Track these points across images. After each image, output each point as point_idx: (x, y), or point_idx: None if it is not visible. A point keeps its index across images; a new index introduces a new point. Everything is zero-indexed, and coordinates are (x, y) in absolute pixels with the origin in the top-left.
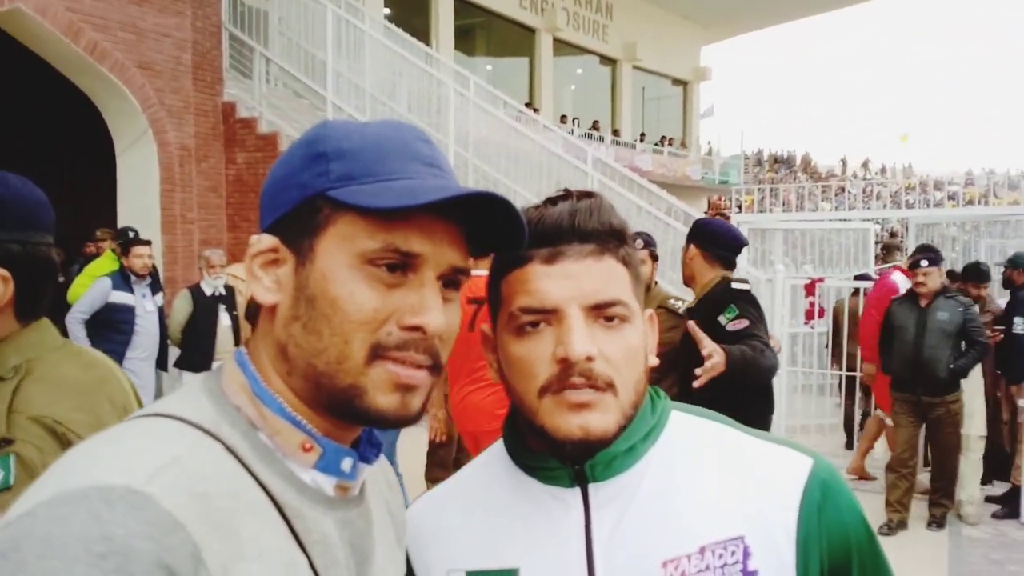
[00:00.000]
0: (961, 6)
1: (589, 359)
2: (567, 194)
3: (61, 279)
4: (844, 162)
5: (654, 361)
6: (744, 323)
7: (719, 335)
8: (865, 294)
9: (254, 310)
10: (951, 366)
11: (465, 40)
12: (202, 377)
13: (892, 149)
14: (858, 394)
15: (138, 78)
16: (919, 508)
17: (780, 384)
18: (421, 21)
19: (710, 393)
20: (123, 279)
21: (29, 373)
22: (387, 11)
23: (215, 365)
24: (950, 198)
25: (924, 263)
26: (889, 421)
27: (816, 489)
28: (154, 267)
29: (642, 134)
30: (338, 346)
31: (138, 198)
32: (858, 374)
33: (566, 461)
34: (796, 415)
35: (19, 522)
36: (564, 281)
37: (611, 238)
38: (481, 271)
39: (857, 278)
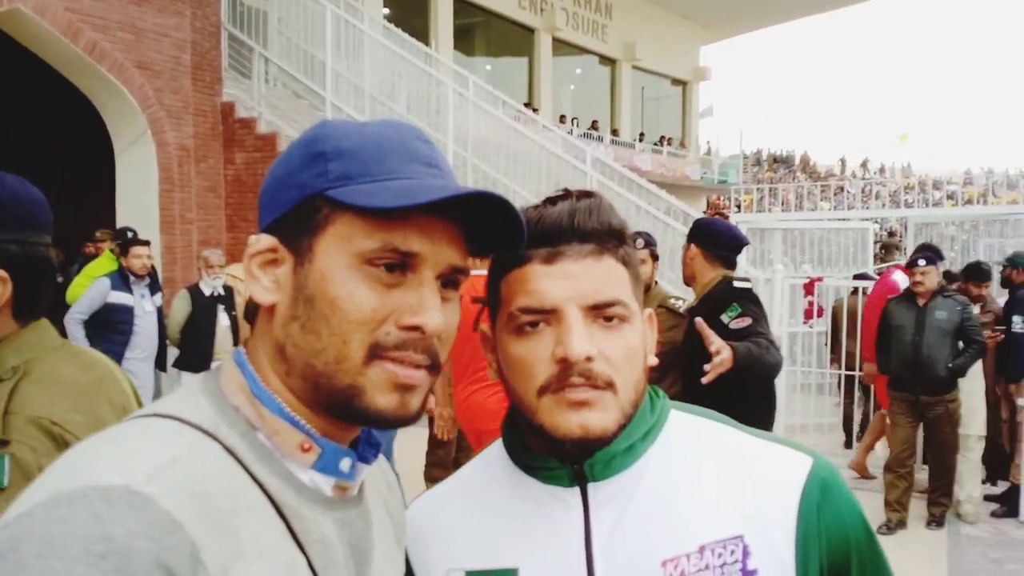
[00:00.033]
0: (954, 6)
1: (589, 359)
2: (566, 194)
3: (60, 279)
4: (843, 162)
5: (653, 361)
6: (747, 321)
7: (723, 334)
8: (864, 293)
9: (253, 310)
10: (949, 365)
11: (464, 40)
12: (201, 377)
13: (891, 149)
14: (857, 393)
15: (137, 78)
16: (918, 507)
17: (779, 383)
18: (420, 21)
19: (713, 392)
20: (122, 279)
21: (27, 374)
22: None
23: (214, 365)
24: (949, 197)
25: (921, 262)
26: None
27: (815, 488)
28: (153, 267)
29: (641, 134)
30: (336, 346)
31: (137, 198)
32: (857, 373)
33: (565, 460)
34: (795, 414)
35: (18, 522)
36: (563, 281)
37: (610, 238)
38: (486, 271)
39: (856, 277)
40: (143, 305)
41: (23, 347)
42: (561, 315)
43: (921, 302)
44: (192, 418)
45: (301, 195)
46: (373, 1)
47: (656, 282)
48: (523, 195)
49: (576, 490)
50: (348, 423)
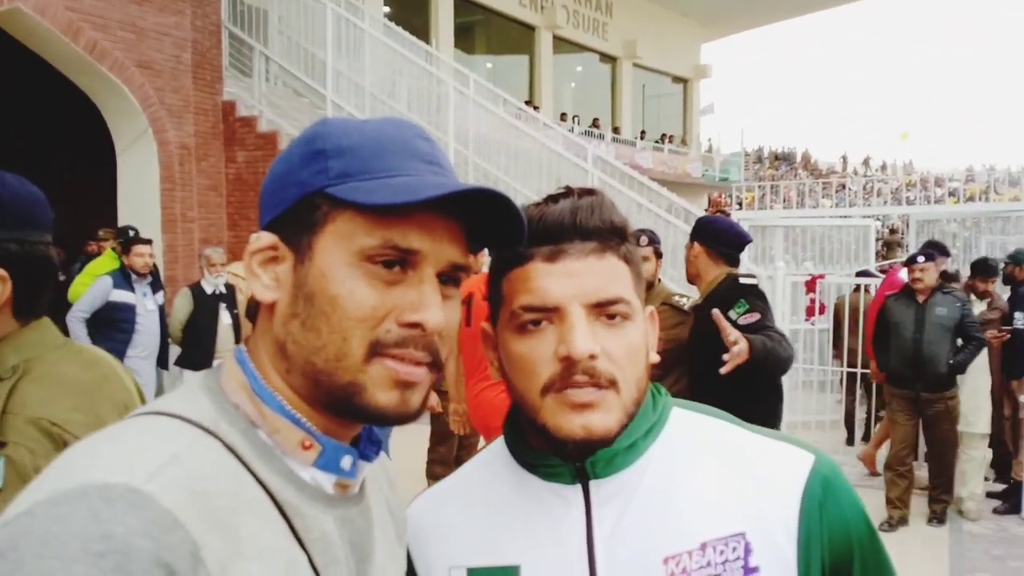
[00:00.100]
0: (954, 6)
1: (592, 357)
2: (568, 192)
3: (62, 278)
4: (844, 159)
5: (655, 358)
6: (755, 316)
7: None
8: (866, 290)
9: (254, 308)
10: (950, 362)
11: (465, 38)
12: (202, 375)
13: (892, 146)
14: (859, 390)
15: (138, 77)
16: (920, 504)
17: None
18: (421, 19)
19: (722, 388)
20: (124, 278)
21: (27, 373)
22: (387, 9)
23: (216, 363)
24: (951, 194)
25: (920, 259)
26: None
27: (817, 485)
28: (155, 266)
29: (642, 132)
30: (337, 343)
31: (138, 197)
32: (859, 370)
33: (567, 458)
34: (797, 411)
35: (17, 521)
36: (566, 279)
37: (612, 236)
38: None
39: (858, 275)
40: (145, 303)
41: (23, 346)
42: (564, 313)
43: (921, 299)
44: (193, 416)
45: (301, 193)
46: None
47: (659, 279)
48: (524, 193)
49: (578, 487)
50: (349, 420)
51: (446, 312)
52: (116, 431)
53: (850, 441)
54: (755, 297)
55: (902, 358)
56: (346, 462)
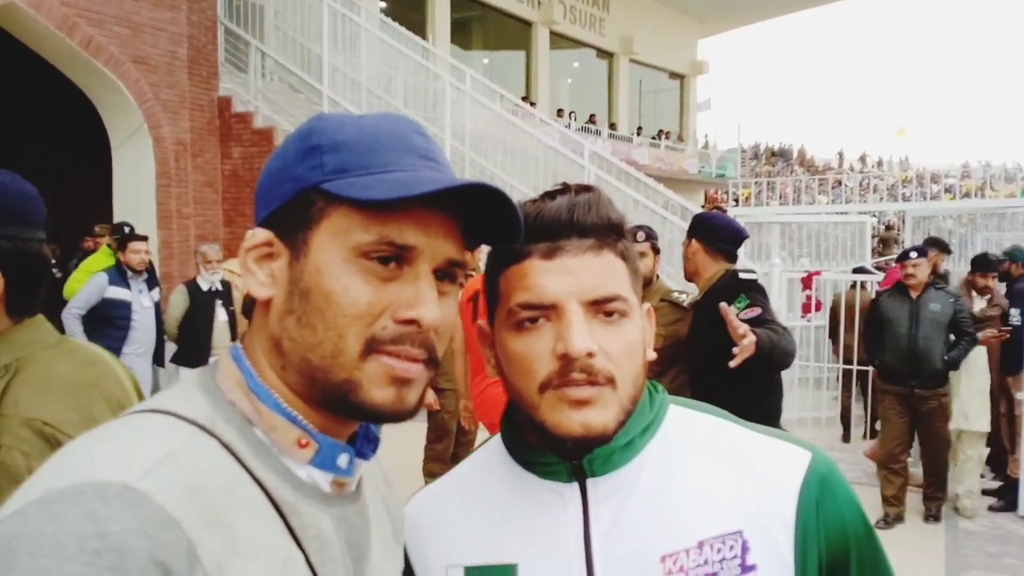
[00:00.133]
0: (952, 3)
1: (590, 355)
2: (565, 188)
3: (59, 275)
4: (841, 155)
5: (652, 356)
6: (757, 311)
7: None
8: (862, 287)
9: (250, 305)
10: (945, 358)
11: (461, 34)
12: (198, 373)
13: (889, 143)
14: (855, 387)
15: (133, 73)
16: (916, 501)
17: None
18: (417, 15)
19: (722, 384)
20: (119, 274)
21: (19, 372)
22: (383, 5)
23: (212, 360)
24: (947, 191)
25: (913, 254)
26: None
27: (814, 483)
28: (150, 262)
29: (639, 128)
30: (332, 340)
31: (134, 193)
32: (855, 367)
33: (565, 456)
34: (793, 408)
35: (11, 520)
36: (563, 276)
37: (610, 232)
38: None
39: (855, 271)
40: (141, 300)
41: (16, 344)
42: (561, 310)
43: (914, 295)
44: (188, 414)
45: (296, 188)
46: None
47: (658, 276)
48: (520, 189)
49: (575, 486)
50: (345, 418)
51: (442, 309)
52: (111, 429)
53: (846, 438)
54: (755, 292)
55: (897, 354)
56: (343, 460)
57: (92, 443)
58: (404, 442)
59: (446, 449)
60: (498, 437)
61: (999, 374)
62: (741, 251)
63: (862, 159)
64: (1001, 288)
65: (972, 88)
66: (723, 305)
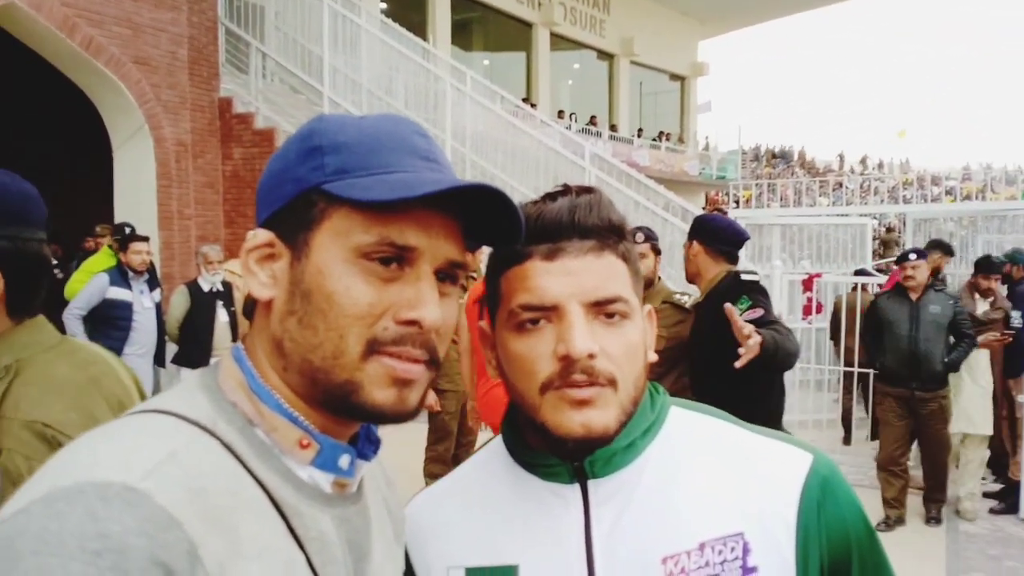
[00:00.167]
0: (950, 6)
1: (591, 356)
2: (566, 190)
3: (60, 275)
4: (842, 157)
5: (653, 357)
6: (759, 312)
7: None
8: (864, 289)
9: (251, 306)
10: (945, 360)
11: (462, 35)
12: (199, 373)
13: (890, 145)
14: (855, 390)
15: (134, 73)
16: (917, 504)
17: None
18: (418, 16)
19: (723, 387)
20: (120, 275)
21: (19, 374)
22: (383, 6)
23: (213, 361)
24: (947, 193)
25: (912, 256)
26: None
27: (816, 485)
28: (151, 263)
29: (639, 129)
30: (333, 341)
31: (134, 194)
32: (856, 369)
33: (566, 458)
34: (794, 410)
35: (14, 519)
36: (564, 278)
37: (611, 234)
38: None
39: (856, 273)
40: (142, 301)
41: (16, 345)
42: (562, 312)
43: (914, 296)
44: (190, 414)
45: (297, 189)
46: None
47: (660, 277)
48: (521, 191)
49: (576, 487)
50: (346, 419)
51: (443, 310)
52: (113, 429)
53: (847, 440)
54: (757, 293)
55: (898, 356)
56: (344, 461)
57: (94, 443)
58: (405, 443)
59: (447, 450)
60: (499, 439)
61: (1002, 377)
62: (742, 253)
63: (863, 161)
64: (1002, 291)
65: (972, 90)
66: (728, 306)
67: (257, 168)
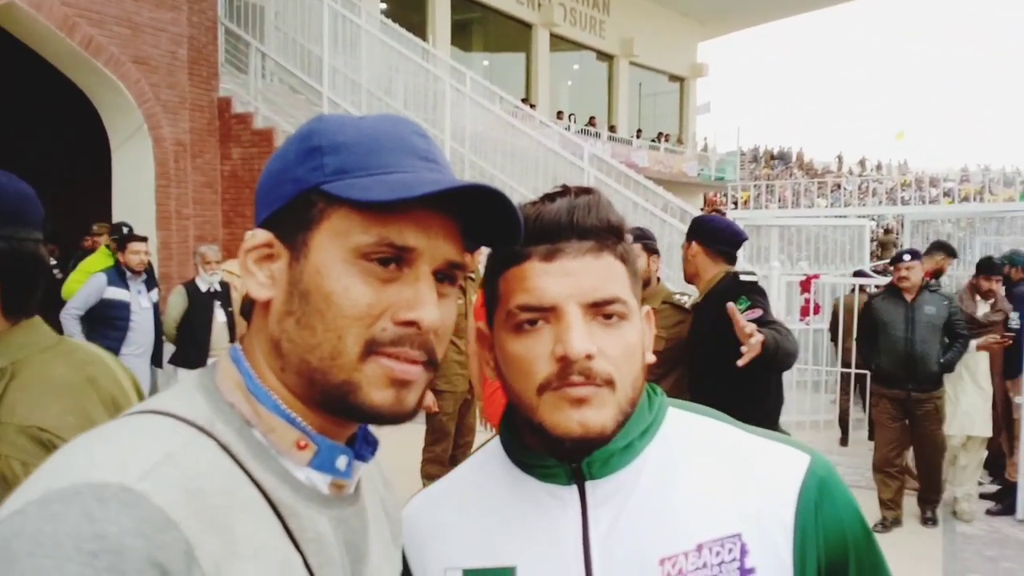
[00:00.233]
0: (955, 6)
1: (589, 357)
2: (565, 190)
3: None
4: (840, 159)
5: (651, 358)
6: (758, 312)
7: (733, 328)
8: (862, 290)
9: (249, 306)
10: (940, 361)
11: (462, 35)
12: (197, 374)
13: (888, 146)
14: (853, 391)
15: (133, 73)
16: (914, 505)
17: None
18: (417, 16)
19: (722, 388)
20: (118, 275)
21: (15, 377)
22: (383, 6)
23: (210, 362)
24: (945, 195)
25: (907, 257)
26: None
27: (813, 486)
28: (149, 263)
29: (639, 130)
30: (332, 342)
31: (133, 194)
32: (853, 370)
33: (563, 458)
34: (791, 411)
35: (10, 520)
36: (562, 279)
37: (609, 235)
38: None
39: (855, 275)
40: (139, 301)
41: (12, 347)
42: (560, 313)
43: (908, 298)
44: (187, 415)
45: (296, 190)
46: None
47: (659, 278)
48: (520, 191)
49: (574, 488)
50: (344, 420)
51: (442, 310)
52: (110, 430)
53: (844, 441)
54: (756, 294)
55: (893, 358)
56: (341, 462)
57: (91, 444)
58: (403, 444)
59: (444, 451)
60: (497, 440)
61: (1001, 378)
62: (740, 254)
63: (861, 163)
64: (1000, 292)
65: (971, 92)
66: (731, 305)
67: (256, 168)
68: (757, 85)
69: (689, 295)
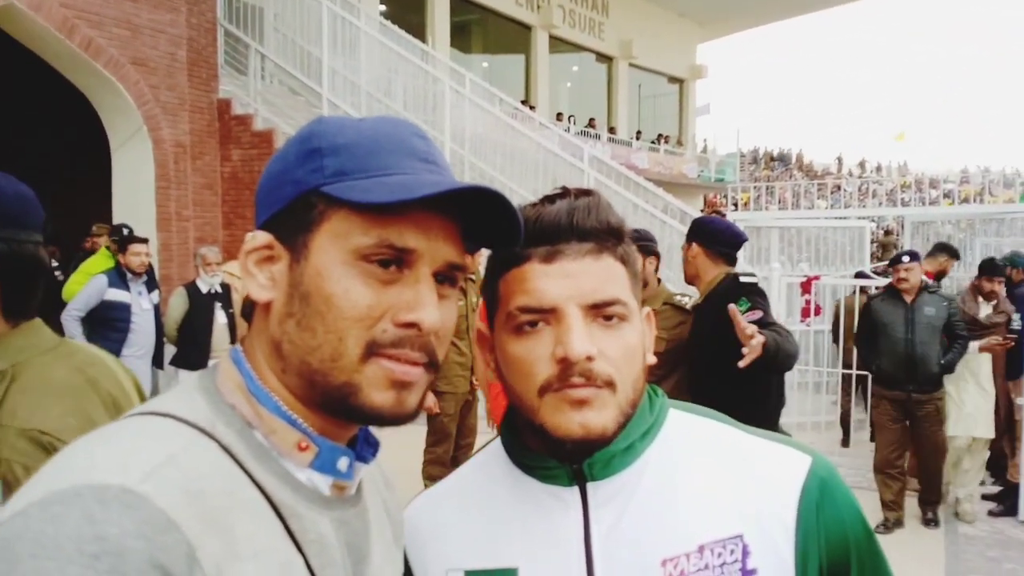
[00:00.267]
0: (959, 6)
1: (589, 359)
2: (565, 192)
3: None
4: (840, 160)
5: (652, 360)
6: (759, 313)
7: (734, 329)
8: (862, 292)
9: (250, 308)
10: (941, 362)
11: (461, 37)
12: (197, 375)
13: (888, 148)
14: (854, 392)
15: (133, 75)
16: (916, 506)
17: None
18: (417, 18)
19: (723, 389)
20: (119, 277)
21: (15, 379)
22: (383, 8)
23: (211, 363)
24: (945, 196)
25: (906, 259)
26: None
27: (815, 487)
28: (150, 265)
29: (638, 132)
30: (332, 343)
31: (133, 195)
32: (854, 371)
33: (565, 460)
34: (792, 412)
35: (12, 522)
36: (562, 280)
37: (609, 236)
38: None
39: (856, 276)
40: (140, 302)
41: (12, 349)
42: (561, 314)
43: (908, 299)
44: (188, 416)
45: (297, 191)
46: None
47: (660, 280)
48: (520, 193)
49: (575, 489)
50: (345, 421)
51: (443, 312)
52: (111, 432)
53: (846, 442)
54: (756, 295)
55: (894, 359)
56: (342, 463)
57: (92, 445)
58: (404, 445)
59: (446, 453)
60: (498, 441)
61: (1003, 379)
62: (740, 255)
63: (861, 164)
64: (1002, 293)
65: (971, 93)
66: (732, 307)
67: (256, 170)
68: (757, 87)
69: (690, 296)
